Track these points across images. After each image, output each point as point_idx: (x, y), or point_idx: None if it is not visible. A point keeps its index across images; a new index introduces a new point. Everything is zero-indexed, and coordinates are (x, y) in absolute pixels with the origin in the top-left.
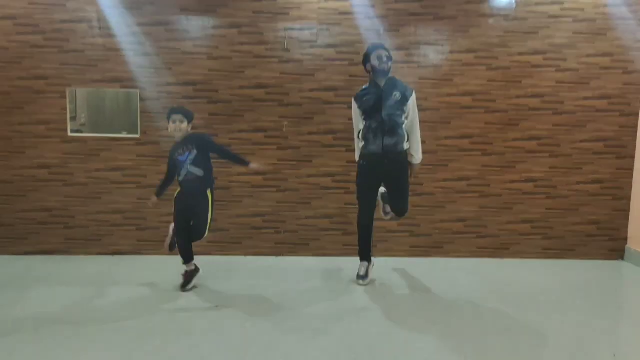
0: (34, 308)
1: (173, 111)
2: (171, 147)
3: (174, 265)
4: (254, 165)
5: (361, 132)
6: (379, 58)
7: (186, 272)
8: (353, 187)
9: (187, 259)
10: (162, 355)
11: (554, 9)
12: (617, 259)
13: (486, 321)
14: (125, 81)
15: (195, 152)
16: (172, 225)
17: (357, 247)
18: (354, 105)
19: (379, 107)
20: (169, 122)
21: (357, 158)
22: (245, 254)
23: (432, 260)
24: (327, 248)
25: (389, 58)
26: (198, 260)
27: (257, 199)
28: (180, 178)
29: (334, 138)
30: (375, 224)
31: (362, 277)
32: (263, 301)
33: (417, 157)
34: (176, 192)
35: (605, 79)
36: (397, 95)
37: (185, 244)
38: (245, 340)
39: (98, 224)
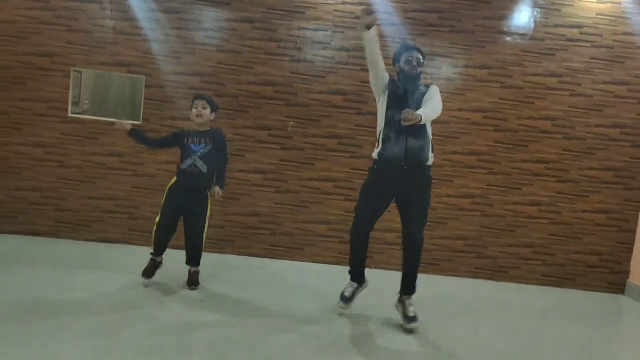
0: (17, 290)
1: (197, 97)
2: (186, 129)
3: (166, 257)
4: (220, 193)
5: (382, 131)
6: (409, 62)
7: (153, 260)
8: (355, 194)
9: (159, 252)
10: (141, 347)
11: (573, 32)
12: (616, 293)
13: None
14: (132, 66)
15: (210, 147)
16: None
17: (349, 264)
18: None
19: (406, 97)
20: (191, 109)
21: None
22: (239, 254)
23: (428, 277)
24: (322, 255)
25: (420, 63)
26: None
27: (255, 198)
28: (183, 166)
29: (339, 143)
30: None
31: (346, 299)
32: (250, 301)
33: (424, 113)
34: (170, 183)
35: (619, 107)
36: (422, 88)
37: (165, 239)
38: (229, 339)
39: (89, 209)
